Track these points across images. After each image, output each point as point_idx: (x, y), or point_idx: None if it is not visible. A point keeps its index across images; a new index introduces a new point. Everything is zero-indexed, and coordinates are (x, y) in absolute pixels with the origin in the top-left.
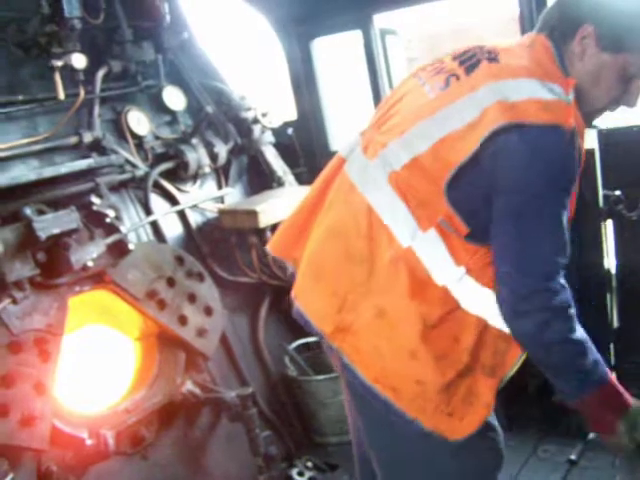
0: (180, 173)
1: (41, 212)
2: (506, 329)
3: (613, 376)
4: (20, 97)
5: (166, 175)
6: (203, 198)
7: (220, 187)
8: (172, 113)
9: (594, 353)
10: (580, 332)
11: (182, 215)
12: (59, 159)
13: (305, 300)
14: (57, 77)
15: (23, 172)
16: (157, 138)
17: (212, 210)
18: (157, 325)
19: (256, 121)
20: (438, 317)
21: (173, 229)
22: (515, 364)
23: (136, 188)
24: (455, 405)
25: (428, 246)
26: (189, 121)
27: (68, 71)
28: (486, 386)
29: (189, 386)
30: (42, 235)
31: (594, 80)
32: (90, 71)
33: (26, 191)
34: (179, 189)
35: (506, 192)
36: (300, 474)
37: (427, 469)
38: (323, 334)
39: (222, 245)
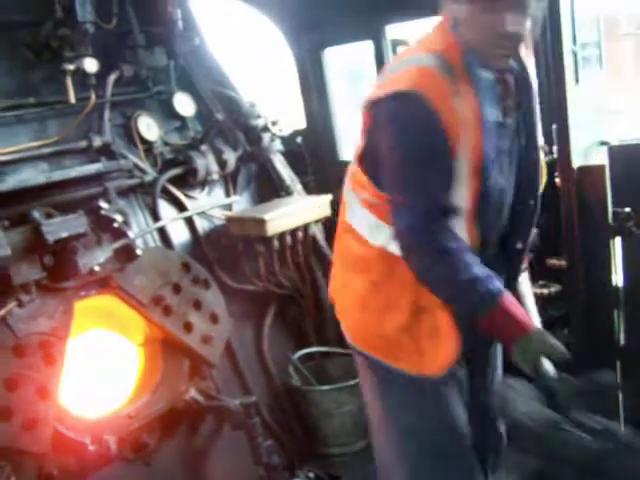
0: (189, 179)
1: (49, 215)
2: None
3: (511, 302)
4: (31, 100)
5: (174, 181)
6: (211, 205)
7: (228, 194)
8: (182, 119)
9: (484, 284)
10: (466, 268)
11: (190, 222)
12: (68, 163)
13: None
14: (68, 81)
15: (32, 175)
16: (166, 144)
17: (220, 217)
18: (162, 331)
19: (265, 129)
20: (380, 270)
21: (180, 235)
22: None
23: (144, 193)
24: (424, 344)
25: (361, 218)
26: (198, 127)
27: (79, 75)
28: (444, 318)
29: (192, 393)
30: (50, 238)
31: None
32: (101, 75)
33: (35, 194)
34: (187, 195)
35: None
36: None
37: (412, 415)
38: None
39: (229, 253)
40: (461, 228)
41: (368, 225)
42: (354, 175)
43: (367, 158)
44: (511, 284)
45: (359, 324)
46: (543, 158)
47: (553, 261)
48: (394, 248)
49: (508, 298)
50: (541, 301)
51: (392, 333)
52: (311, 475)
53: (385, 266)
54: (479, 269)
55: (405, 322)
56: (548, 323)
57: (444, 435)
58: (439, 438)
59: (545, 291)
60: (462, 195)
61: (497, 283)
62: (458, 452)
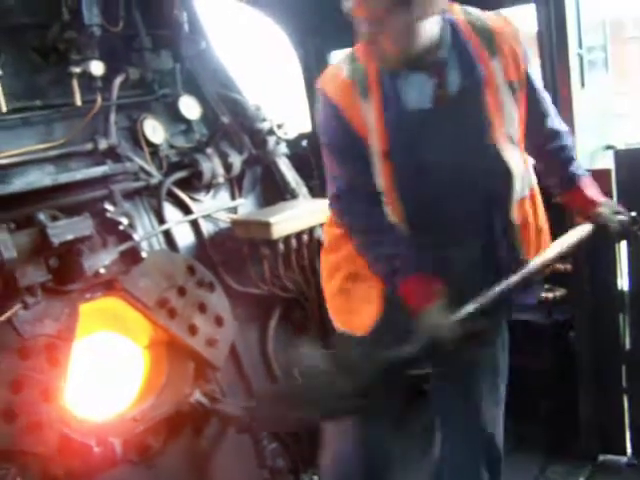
0: (194, 182)
1: (55, 218)
2: None
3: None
4: (38, 102)
5: (180, 184)
6: (216, 208)
7: (233, 197)
8: (187, 122)
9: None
10: (372, 246)
11: (195, 224)
12: (74, 165)
13: None
14: (75, 84)
15: (38, 177)
16: (172, 147)
17: (225, 220)
18: (167, 334)
19: (271, 132)
20: (327, 238)
21: (185, 238)
22: None
23: (150, 196)
24: (354, 305)
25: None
26: (204, 131)
27: (86, 78)
28: (377, 285)
29: (197, 396)
30: (55, 241)
31: None
32: (107, 78)
33: (41, 196)
34: (192, 198)
35: None
36: None
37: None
38: None
39: (234, 256)
40: (390, 211)
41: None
42: None
43: None
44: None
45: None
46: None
47: (558, 265)
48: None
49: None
50: (546, 305)
51: (331, 296)
52: (315, 478)
53: (329, 233)
54: (383, 249)
55: (341, 285)
56: (553, 327)
57: None
58: None
59: (550, 295)
60: (379, 177)
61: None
62: None
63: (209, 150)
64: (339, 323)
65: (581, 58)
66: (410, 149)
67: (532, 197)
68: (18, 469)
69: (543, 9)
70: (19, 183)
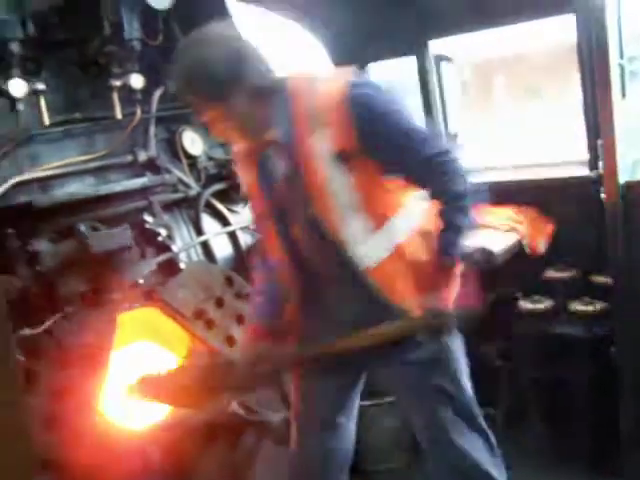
0: (232, 194)
1: (95, 229)
2: None
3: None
4: (78, 115)
5: (218, 196)
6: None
7: None
8: None
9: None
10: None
11: (233, 236)
12: (114, 177)
13: None
14: (115, 97)
15: (79, 189)
16: (210, 159)
17: None
18: (204, 345)
19: None
20: None
21: (223, 249)
22: None
23: (188, 208)
24: None
25: None
26: None
27: (126, 91)
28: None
29: (234, 407)
30: (95, 251)
31: None
32: (147, 91)
33: (81, 207)
34: (230, 210)
35: None
36: None
37: None
38: None
39: None
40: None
41: None
42: None
43: None
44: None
45: None
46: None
47: (598, 278)
48: None
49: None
50: (586, 319)
51: None
52: None
53: None
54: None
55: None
56: (593, 341)
57: None
58: None
59: (590, 308)
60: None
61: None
62: None
63: None
64: None
65: (622, 68)
66: (277, 216)
67: (399, 254)
68: (56, 477)
69: (583, 19)
70: (60, 194)
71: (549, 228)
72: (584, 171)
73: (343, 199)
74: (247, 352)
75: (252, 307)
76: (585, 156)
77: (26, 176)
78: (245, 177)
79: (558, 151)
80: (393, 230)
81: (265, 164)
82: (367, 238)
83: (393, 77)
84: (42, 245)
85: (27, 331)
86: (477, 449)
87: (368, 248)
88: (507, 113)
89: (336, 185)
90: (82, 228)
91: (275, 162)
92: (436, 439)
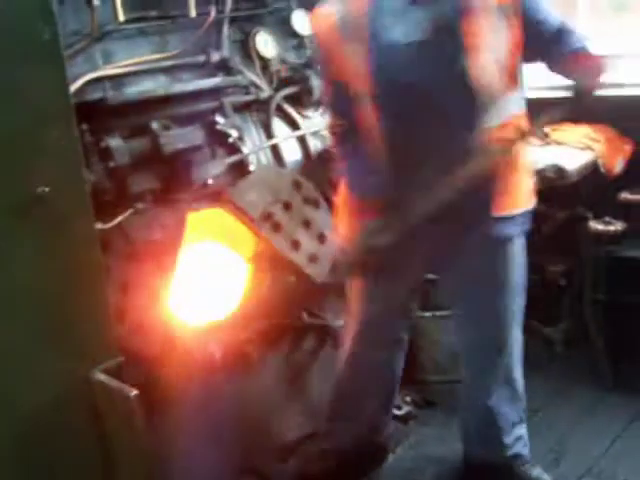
0: (303, 99)
1: (166, 128)
2: None
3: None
4: (153, 13)
5: (289, 100)
6: (325, 125)
7: None
8: (300, 38)
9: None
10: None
11: (303, 141)
12: (186, 77)
13: None
14: None
15: (151, 87)
16: (283, 62)
17: None
18: (270, 247)
19: None
20: None
21: (293, 154)
22: None
23: (259, 111)
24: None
25: None
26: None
27: None
28: None
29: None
30: (167, 150)
31: None
32: None
33: (153, 106)
34: (301, 115)
35: None
36: (398, 407)
37: None
38: None
39: None
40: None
41: None
42: None
43: None
44: None
45: None
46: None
47: (626, 195)
48: None
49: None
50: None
51: None
52: (407, 399)
53: None
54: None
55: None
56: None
57: None
58: None
59: (611, 228)
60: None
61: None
62: None
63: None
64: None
65: None
66: (394, 85)
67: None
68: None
69: None
70: (133, 92)
71: (627, 149)
72: None
73: (497, 55)
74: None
75: (365, 185)
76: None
77: (100, 73)
78: (349, 48)
79: None
80: (511, 102)
81: (384, 28)
82: (503, 100)
83: None
84: (115, 141)
85: (99, 225)
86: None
87: (498, 110)
88: (592, 30)
89: (495, 39)
90: (154, 126)
91: (418, 18)
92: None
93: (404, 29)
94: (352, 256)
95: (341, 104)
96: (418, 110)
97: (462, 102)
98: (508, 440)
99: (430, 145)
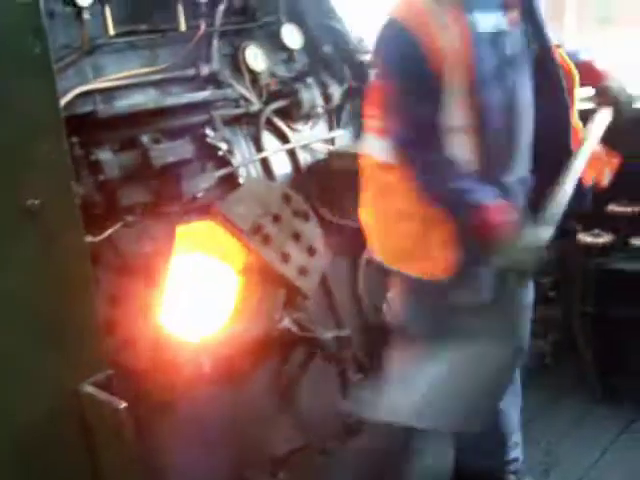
0: (293, 112)
1: (157, 141)
2: None
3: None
4: (143, 27)
5: (279, 113)
6: (314, 138)
7: (331, 129)
8: (289, 51)
9: (468, 193)
10: (450, 180)
11: (292, 154)
12: (176, 90)
13: None
14: (180, 9)
15: (142, 100)
16: (273, 75)
17: (322, 151)
18: (260, 260)
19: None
20: (383, 187)
21: (282, 167)
22: None
23: (249, 124)
24: (434, 252)
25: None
26: (305, 60)
27: (190, 3)
28: (448, 230)
29: (286, 323)
30: (157, 163)
31: None
32: (211, 4)
33: (143, 119)
34: (291, 128)
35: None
36: None
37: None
38: None
39: (329, 187)
40: (463, 147)
41: (378, 146)
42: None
43: None
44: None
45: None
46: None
47: (613, 207)
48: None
49: (495, 205)
50: (595, 250)
51: (409, 244)
52: None
53: (387, 185)
54: (465, 182)
55: (411, 231)
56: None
57: None
58: None
59: (600, 240)
60: (458, 113)
61: (484, 194)
62: None
63: (309, 80)
64: (412, 271)
65: None
66: (501, 75)
67: None
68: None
69: None
70: (123, 105)
71: (615, 161)
72: None
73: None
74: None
75: (483, 194)
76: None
77: (90, 86)
78: (440, 43)
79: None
80: None
81: (491, 6)
82: None
83: None
84: (105, 155)
85: (89, 238)
86: None
87: None
88: (578, 43)
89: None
90: (144, 139)
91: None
92: None
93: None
94: (524, 264)
95: (427, 142)
96: (515, 111)
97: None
98: (510, 444)
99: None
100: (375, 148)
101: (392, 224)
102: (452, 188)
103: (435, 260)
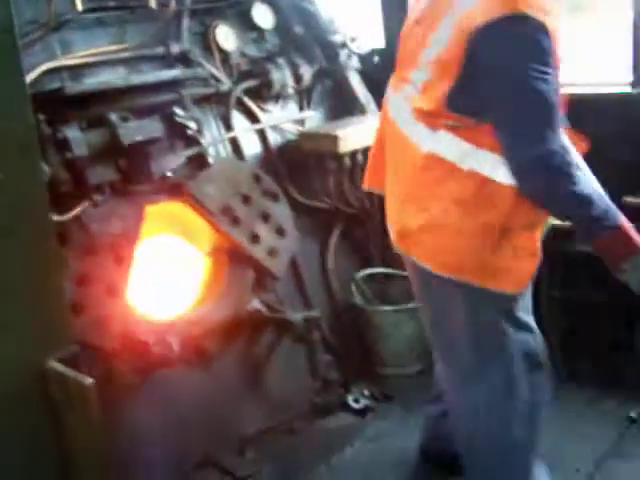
0: (263, 92)
1: (125, 119)
2: None
3: (626, 222)
4: (112, 3)
5: (249, 93)
6: (284, 119)
7: (302, 109)
8: (260, 31)
9: (604, 202)
10: (586, 185)
11: (262, 134)
12: (145, 68)
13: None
14: None
15: (110, 78)
16: (243, 55)
17: (292, 132)
18: (229, 241)
19: (343, 45)
20: (472, 194)
21: (252, 147)
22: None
23: (219, 104)
24: (507, 263)
25: (443, 142)
26: (276, 40)
27: None
28: (530, 239)
29: (255, 304)
30: (125, 141)
31: None
32: None
33: (112, 97)
34: (261, 108)
35: (496, 75)
36: (356, 401)
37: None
38: (394, 243)
39: (299, 168)
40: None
41: (458, 150)
42: (416, 109)
43: (458, 92)
44: None
45: (450, 250)
46: None
47: (632, 199)
48: (488, 171)
49: (629, 225)
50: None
51: (486, 255)
52: (365, 392)
53: (476, 189)
54: (595, 191)
55: (496, 243)
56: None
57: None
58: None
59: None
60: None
61: (616, 210)
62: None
63: (280, 60)
64: (491, 285)
65: None
66: None
67: None
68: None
69: None
70: (91, 83)
71: (584, 146)
72: (626, 88)
73: None
74: None
75: (615, 210)
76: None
77: (57, 63)
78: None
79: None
80: None
81: None
82: None
83: None
84: (72, 132)
85: (56, 217)
86: None
87: None
88: None
89: None
90: (112, 117)
91: None
92: None
93: None
94: None
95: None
96: None
97: None
98: None
99: None
100: (455, 150)
101: (470, 236)
102: (582, 195)
103: (510, 272)
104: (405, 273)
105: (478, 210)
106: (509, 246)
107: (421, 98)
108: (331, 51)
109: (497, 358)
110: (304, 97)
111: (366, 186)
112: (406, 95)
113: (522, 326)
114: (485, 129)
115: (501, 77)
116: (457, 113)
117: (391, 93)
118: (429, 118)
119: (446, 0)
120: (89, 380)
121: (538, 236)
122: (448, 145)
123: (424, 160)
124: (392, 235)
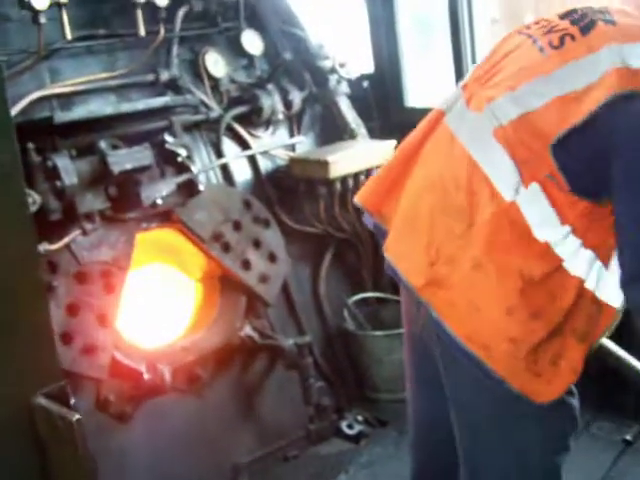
0: (253, 118)
1: (115, 147)
2: (601, 296)
3: None
4: (101, 31)
5: (239, 119)
6: (275, 145)
7: (292, 135)
8: (249, 57)
9: None
10: None
11: (253, 160)
12: (135, 96)
13: (397, 253)
14: (139, 13)
15: (100, 106)
16: (233, 81)
17: (283, 157)
18: (220, 268)
19: (333, 71)
20: (539, 274)
21: (243, 174)
22: (604, 333)
23: (209, 130)
24: (543, 366)
25: (531, 201)
26: (265, 66)
27: (150, 8)
28: (576, 350)
29: (248, 330)
30: (115, 169)
31: None
32: (171, 9)
33: (102, 125)
34: (251, 134)
35: (624, 160)
36: (349, 427)
37: (509, 431)
38: (413, 288)
39: (290, 193)
40: None
41: (540, 215)
42: (520, 143)
43: (566, 146)
44: None
45: (491, 327)
46: None
47: None
48: (562, 250)
49: None
50: None
51: (527, 346)
52: (359, 418)
53: (545, 269)
54: None
55: (543, 338)
56: None
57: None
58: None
59: None
60: None
61: None
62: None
63: (270, 86)
64: (518, 386)
65: None
66: None
67: None
68: (72, 389)
69: None
70: (81, 111)
71: None
72: None
73: None
74: None
75: None
76: None
77: (47, 91)
78: None
79: None
80: None
81: None
82: None
83: (422, 11)
84: (62, 161)
85: (46, 246)
86: None
87: None
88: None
89: None
90: (102, 145)
91: None
92: None
93: None
94: None
95: None
96: None
97: None
98: None
99: None
100: (536, 213)
101: (520, 321)
102: None
103: (541, 378)
104: (398, 297)
105: (536, 295)
106: (551, 350)
107: (519, 131)
108: (320, 76)
109: None
110: (294, 122)
111: (360, 202)
112: (493, 117)
113: None
114: (581, 207)
115: (629, 161)
116: (560, 169)
117: (459, 106)
118: (526, 163)
119: (603, 34)
120: (76, 416)
121: (586, 351)
122: (536, 207)
123: (498, 211)
124: (409, 277)
